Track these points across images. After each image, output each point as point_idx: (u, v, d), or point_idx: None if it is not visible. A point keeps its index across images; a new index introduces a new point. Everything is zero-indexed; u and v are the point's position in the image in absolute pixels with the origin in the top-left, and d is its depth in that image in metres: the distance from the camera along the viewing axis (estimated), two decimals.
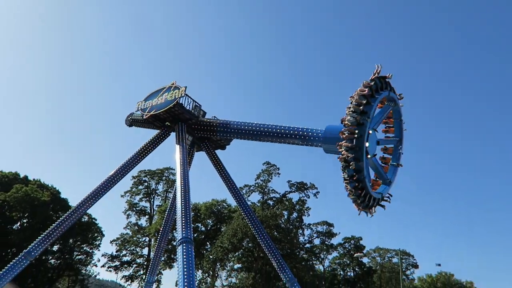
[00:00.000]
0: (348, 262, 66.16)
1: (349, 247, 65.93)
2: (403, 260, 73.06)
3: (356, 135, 17.55)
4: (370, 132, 18.35)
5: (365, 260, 69.18)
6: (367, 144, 17.89)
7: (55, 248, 60.56)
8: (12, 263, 24.90)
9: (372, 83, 18.37)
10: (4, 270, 24.69)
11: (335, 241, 65.41)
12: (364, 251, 66.04)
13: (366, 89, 17.98)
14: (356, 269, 65.56)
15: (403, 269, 72.38)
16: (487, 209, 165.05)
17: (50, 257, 61.57)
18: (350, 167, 17.48)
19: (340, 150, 17.70)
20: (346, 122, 17.81)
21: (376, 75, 18.59)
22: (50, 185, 66.28)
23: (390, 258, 78.84)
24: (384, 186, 20.65)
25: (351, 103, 18.18)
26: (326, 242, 63.80)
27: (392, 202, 20.73)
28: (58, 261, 62.87)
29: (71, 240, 61.95)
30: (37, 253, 26.04)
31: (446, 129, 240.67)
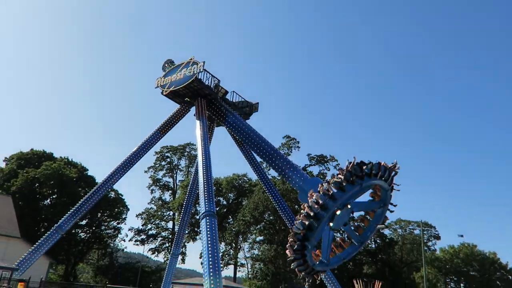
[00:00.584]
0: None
1: None
2: (425, 232, 72.77)
3: (296, 246, 15.20)
4: (338, 213, 15.68)
5: (386, 232, 69.27)
6: (332, 221, 15.77)
7: (84, 222, 62.98)
8: (44, 237, 26.08)
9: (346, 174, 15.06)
10: (37, 243, 25.92)
11: (356, 214, 65.35)
12: (386, 223, 66.05)
13: (321, 200, 14.80)
14: (378, 241, 65.71)
15: (425, 241, 72.23)
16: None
17: (80, 231, 64.16)
18: (292, 265, 15.82)
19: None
20: (294, 226, 15.13)
21: (350, 169, 14.98)
22: (77, 162, 68.34)
23: (412, 230, 78.68)
24: (353, 247, 18.56)
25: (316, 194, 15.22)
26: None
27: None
28: (88, 235, 65.48)
29: (99, 215, 64.19)
30: (67, 227, 27.10)
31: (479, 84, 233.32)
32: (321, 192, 14.97)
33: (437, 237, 75.85)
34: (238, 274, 71.40)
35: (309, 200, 15.20)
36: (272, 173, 64.13)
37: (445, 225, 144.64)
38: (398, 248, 69.12)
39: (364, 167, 15.31)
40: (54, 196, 62.01)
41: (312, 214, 14.68)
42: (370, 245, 66.92)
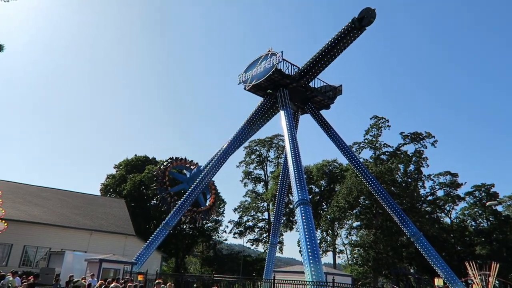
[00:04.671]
0: (480, 212, 60.55)
1: (480, 196, 60.16)
2: None
3: None
4: None
5: (499, 208, 62.64)
6: None
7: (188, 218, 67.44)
8: (155, 233, 28.57)
9: None
10: (150, 239, 28.48)
11: (461, 191, 60.35)
12: (498, 199, 59.66)
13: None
14: (491, 218, 59.78)
15: None
16: None
17: (185, 226, 68.96)
18: None
19: None
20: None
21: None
22: None
23: None
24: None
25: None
26: (451, 193, 59.22)
27: None
28: (192, 230, 70.14)
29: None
30: (173, 223, 29.34)
31: None
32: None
33: None
34: (338, 261, 70.62)
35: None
36: (363, 156, 62.13)
37: None
38: None
39: None
40: (159, 196, 67.46)
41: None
42: (482, 224, 61.23)
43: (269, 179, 74.13)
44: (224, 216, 74.65)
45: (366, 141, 59.79)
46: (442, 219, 62.65)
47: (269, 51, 28.17)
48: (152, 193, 65.79)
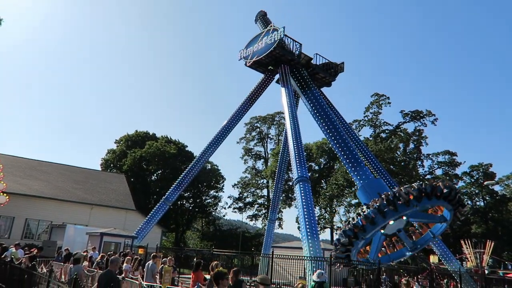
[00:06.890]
0: (477, 191, 61.05)
1: (478, 175, 60.56)
2: None
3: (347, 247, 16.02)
4: (391, 222, 15.83)
5: (497, 188, 63.17)
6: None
7: (188, 194, 68.15)
8: (155, 208, 28.92)
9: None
10: (150, 214, 28.85)
11: (459, 170, 60.70)
12: (496, 179, 60.07)
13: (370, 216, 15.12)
14: (487, 198, 60.34)
15: None
16: None
17: (185, 202, 69.72)
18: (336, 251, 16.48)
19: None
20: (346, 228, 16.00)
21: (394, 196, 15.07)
22: (176, 140, 73.59)
23: None
24: (404, 250, 18.82)
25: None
26: (449, 173, 59.58)
27: None
28: (192, 205, 70.91)
29: (199, 186, 68.89)
30: (173, 199, 29.66)
31: None
32: (371, 208, 15.38)
33: None
34: (335, 237, 71.70)
35: (364, 211, 15.69)
36: (363, 133, 62.08)
37: None
38: None
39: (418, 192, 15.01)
40: (159, 172, 67.93)
41: (360, 225, 15.25)
42: (478, 203, 61.86)
43: (269, 156, 74.37)
44: (223, 192, 75.44)
45: (366, 118, 59.67)
46: None
47: (271, 26, 27.73)
48: (152, 168, 66.26)
